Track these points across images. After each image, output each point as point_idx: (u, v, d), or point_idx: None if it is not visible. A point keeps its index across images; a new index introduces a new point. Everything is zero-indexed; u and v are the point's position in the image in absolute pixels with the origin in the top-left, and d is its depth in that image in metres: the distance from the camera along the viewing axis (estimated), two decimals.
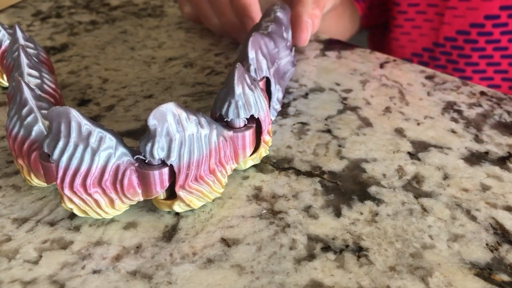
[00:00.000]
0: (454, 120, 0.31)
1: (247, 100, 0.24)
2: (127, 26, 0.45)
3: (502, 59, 0.47)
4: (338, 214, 0.24)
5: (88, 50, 0.40)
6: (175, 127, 0.22)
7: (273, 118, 0.30)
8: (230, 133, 0.24)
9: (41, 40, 0.42)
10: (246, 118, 0.24)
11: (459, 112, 0.32)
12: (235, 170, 0.27)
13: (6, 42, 0.33)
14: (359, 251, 0.22)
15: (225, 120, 0.24)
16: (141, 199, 0.23)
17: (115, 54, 0.40)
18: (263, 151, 0.27)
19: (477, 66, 0.48)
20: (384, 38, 0.56)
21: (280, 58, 0.31)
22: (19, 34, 0.30)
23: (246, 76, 0.24)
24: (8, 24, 0.45)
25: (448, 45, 0.49)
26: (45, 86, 0.27)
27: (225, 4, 0.37)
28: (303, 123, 0.31)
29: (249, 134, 0.24)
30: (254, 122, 0.25)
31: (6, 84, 0.34)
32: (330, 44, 0.40)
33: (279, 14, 0.33)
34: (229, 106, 0.24)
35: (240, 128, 0.24)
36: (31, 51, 0.30)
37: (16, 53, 0.28)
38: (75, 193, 0.22)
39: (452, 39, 0.48)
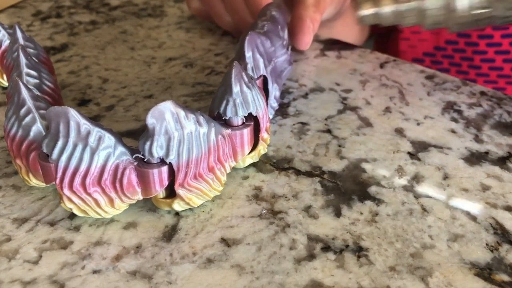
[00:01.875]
0: (454, 120, 0.31)
1: (245, 98, 0.24)
2: (127, 26, 0.45)
3: (504, 63, 0.47)
4: (338, 214, 0.24)
5: (88, 50, 0.40)
6: (174, 125, 0.22)
7: (270, 117, 0.30)
8: (228, 131, 0.24)
9: (41, 40, 0.42)
10: (244, 116, 0.25)
11: (459, 112, 0.31)
12: (234, 170, 0.27)
13: (6, 42, 0.33)
14: (359, 251, 0.22)
15: (223, 118, 0.24)
16: (141, 198, 0.23)
17: (115, 54, 0.40)
18: (262, 149, 0.27)
19: (480, 69, 0.48)
20: (388, 45, 0.56)
21: (277, 56, 0.31)
22: (19, 34, 0.30)
23: (244, 74, 0.24)
24: (8, 24, 0.45)
25: (450, 48, 0.48)
26: (44, 86, 0.27)
27: (239, 2, 0.36)
28: (303, 123, 0.31)
29: (247, 132, 0.24)
30: (252, 120, 0.25)
31: (6, 84, 0.34)
32: (330, 44, 0.40)
33: (275, 13, 0.33)
34: (227, 104, 0.24)
35: (238, 126, 0.24)
36: (31, 51, 0.30)
37: (16, 53, 0.28)
38: (74, 192, 0.22)
39: (453, 42, 0.48)
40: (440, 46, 0.49)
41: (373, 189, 0.25)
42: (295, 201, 0.25)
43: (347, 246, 0.22)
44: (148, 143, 0.22)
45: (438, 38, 0.49)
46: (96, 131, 0.21)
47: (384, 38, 0.58)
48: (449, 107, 0.32)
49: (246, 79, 0.24)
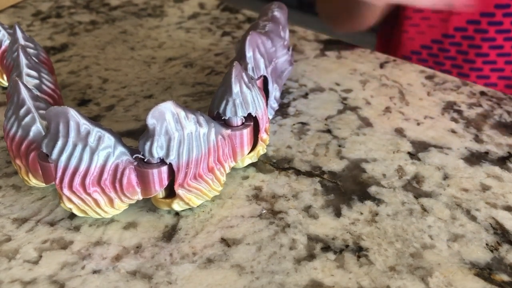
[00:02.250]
0: (454, 120, 0.31)
1: (245, 98, 0.24)
2: (127, 26, 0.45)
3: None
4: (338, 214, 0.24)
5: (88, 50, 0.40)
6: (174, 125, 0.22)
7: (270, 117, 0.30)
8: (228, 131, 0.24)
9: (41, 40, 0.42)
10: (244, 117, 0.25)
11: (459, 112, 0.31)
12: (234, 170, 0.27)
13: (6, 42, 0.33)
14: (359, 251, 0.22)
15: (222, 118, 0.24)
16: (140, 198, 0.23)
17: (115, 54, 0.40)
18: (261, 149, 0.27)
19: (488, 56, 0.47)
20: (394, 32, 0.55)
21: (277, 57, 0.31)
22: (19, 34, 0.30)
23: (244, 74, 0.24)
24: (8, 24, 0.45)
25: (458, 35, 0.48)
26: (44, 87, 0.27)
27: None
28: (303, 123, 0.31)
29: (247, 132, 0.24)
30: (251, 120, 0.25)
31: (6, 84, 0.34)
32: (330, 44, 0.40)
33: (277, 13, 0.33)
34: (226, 104, 0.24)
35: (237, 126, 0.24)
36: (31, 51, 0.30)
37: (16, 53, 0.28)
38: (74, 192, 0.22)
39: (462, 29, 0.48)
40: (448, 34, 0.49)
41: (373, 189, 0.25)
42: (295, 201, 0.25)
43: (347, 246, 0.22)
44: (148, 143, 0.22)
45: (447, 25, 0.48)
46: (95, 131, 0.21)
47: (387, 25, 0.57)
48: (449, 107, 0.32)
49: (246, 80, 0.24)
